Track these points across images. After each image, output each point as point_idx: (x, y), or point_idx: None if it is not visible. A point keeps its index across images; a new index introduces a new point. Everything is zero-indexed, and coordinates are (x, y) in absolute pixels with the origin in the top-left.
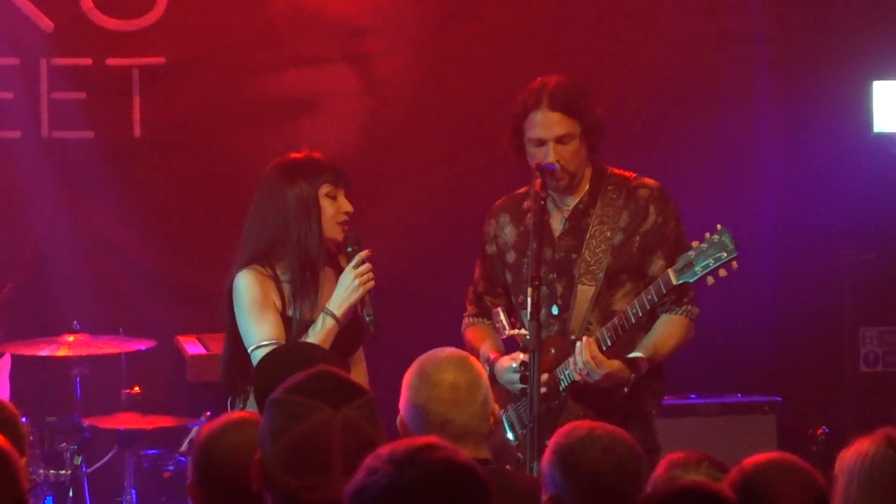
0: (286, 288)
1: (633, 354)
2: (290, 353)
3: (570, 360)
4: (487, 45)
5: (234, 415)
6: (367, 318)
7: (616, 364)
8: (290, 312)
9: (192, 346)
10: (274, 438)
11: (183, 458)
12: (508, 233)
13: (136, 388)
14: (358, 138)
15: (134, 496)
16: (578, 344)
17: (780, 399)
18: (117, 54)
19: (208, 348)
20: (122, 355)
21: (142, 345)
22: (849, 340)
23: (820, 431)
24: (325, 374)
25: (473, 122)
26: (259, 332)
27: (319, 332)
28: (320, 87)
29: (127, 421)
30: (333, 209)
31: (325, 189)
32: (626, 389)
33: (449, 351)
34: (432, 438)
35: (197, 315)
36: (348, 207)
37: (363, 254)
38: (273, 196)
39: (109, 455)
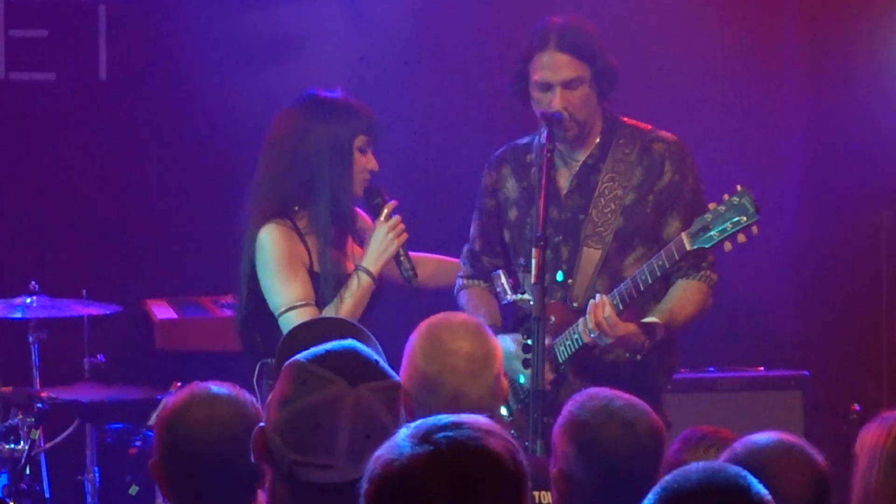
0: (311, 241)
1: (648, 319)
2: (320, 327)
3: (577, 324)
4: None
5: (199, 386)
6: (406, 274)
7: (631, 327)
8: (316, 268)
9: (161, 311)
10: (280, 405)
11: (150, 433)
12: (510, 186)
13: (100, 356)
14: (347, 83)
15: (97, 474)
16: (591, 302)
17: (807, 373)
18: None
19: (179, 313)
20: (85, 319)
21: (107, 308)
22: (884, 309)
23: (852, 409)
24: (351, 349)
25: (475, 65)
26: (289, 294)
27: (357, 292)
28: (306, 26)
29: (89, 392)
30: (361, 164)
31: (359, 141)
32: (638, 357)
33: (462, 317)
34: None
35: (167, 277)
36: (375, 166)
37: (391, 205)
38: (303, 134)
39: (70, 429)
